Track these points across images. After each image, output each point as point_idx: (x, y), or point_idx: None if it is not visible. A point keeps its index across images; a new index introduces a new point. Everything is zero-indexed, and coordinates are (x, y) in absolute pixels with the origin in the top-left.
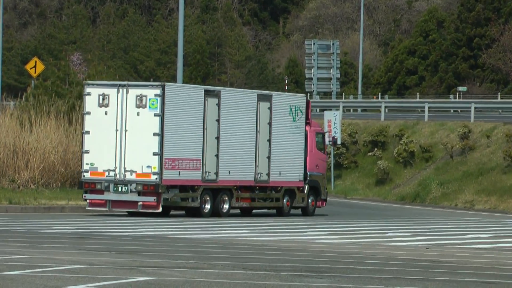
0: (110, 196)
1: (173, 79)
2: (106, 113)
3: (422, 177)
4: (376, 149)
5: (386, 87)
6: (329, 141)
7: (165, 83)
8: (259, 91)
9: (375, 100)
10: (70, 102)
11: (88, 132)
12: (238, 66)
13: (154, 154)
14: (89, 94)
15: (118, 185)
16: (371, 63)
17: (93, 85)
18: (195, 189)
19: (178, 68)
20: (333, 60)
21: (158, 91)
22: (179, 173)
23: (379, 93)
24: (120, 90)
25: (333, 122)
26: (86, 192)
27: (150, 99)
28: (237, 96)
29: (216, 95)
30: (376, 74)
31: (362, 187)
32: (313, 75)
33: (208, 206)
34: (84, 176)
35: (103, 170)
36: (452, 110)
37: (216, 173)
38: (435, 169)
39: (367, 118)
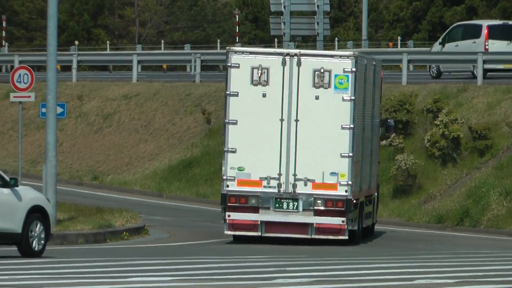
0: (270, 216)
1: (41, 15)
2: (264, 95)
3: (473, 183)
4: (394, 134)
5: (411, 26)
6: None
7: (357, 53)
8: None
9: (391, 49)
10: None
11: (234, 122)
12: None
13: (342, 155)
14: (235, 66)
15: (283, 201)
16: None
17: (242, 52)
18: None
19: None
20: None
21: (348, 65)
22: None
23: (399, 38)
24: (288, 61)
25: None
26: (228, 209)
27: (336, 75)
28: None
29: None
30: (393, 5)
31: None
32: (284, 7)
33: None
34: (227, 186)
35: (260, 178)
36: None
37: None
38: (496, 169)
39: None
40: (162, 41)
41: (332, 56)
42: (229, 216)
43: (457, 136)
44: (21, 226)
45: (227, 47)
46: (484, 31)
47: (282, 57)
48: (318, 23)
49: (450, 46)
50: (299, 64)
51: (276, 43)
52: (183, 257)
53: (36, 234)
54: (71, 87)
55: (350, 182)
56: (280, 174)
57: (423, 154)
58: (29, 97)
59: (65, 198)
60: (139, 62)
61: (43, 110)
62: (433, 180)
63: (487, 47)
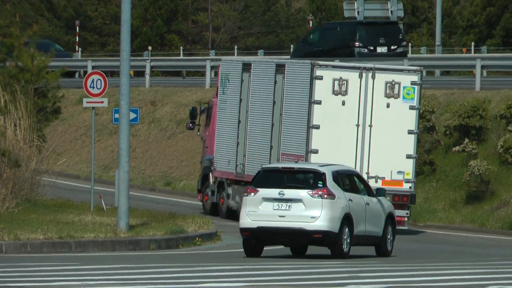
0: None
1: (114, 20)
2: (343, 103)
3: None
4: (467, 140)
5: (485, 32)
6: None
7: (422, 68)
8: None
9: (464, 55)
10: None
11: (317, 127)
12: None
13: (408, 156)
14: (319, 78)
15: None
16: None
17: (326, 67)
18: None
19: (123, 1)
20: None
21: (415, 78)
22: None
23: (472, 44)
24: (364, 74)
25: None
26: None
27: (404, 87)
28: None
29: None
30: (466, 11)
31: (443, 206)
32: (358, 13)
33: None
34: None
35: None
36: None
37: None
38: None
39: (451, 87)
40: (236, 46)
41: (401, 70)
42: None
43: None
44: (382, 230)
45: (312, 61)
46: None
47: (359, 71)
48: None
49: None
50: (373, 77)
51: None
52: (255, 263)
53: (389, 237)
54: (144, 93)
55: (413, 180)
56: None
57: (496, 160)
58: (102, 102)
59: (138, 203)
60: (212, 67)
61: (116, 115)
62: (507, 186)
63: None
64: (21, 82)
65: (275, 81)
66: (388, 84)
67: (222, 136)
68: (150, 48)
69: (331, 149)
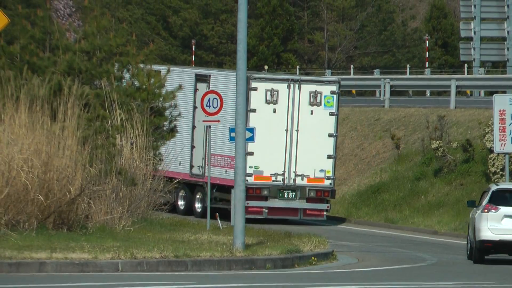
0: (274, 203)
1: (230, 39)
2: (274, 111)
3: None
4: None
5: None
6: None
7: (340, 78)
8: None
9: None
10: (54, 82)
11: None
12: (343, 17)
13: (328, 157)
14: (254, 89)
15: (285, 191)
16: None
17: (260, 79)
18: None
19: (240, 20)
20: (508, 6)
21: (334, 88)
22: None
23: None
24: (291, 85)
25: (509, 114)
26: (247, 198)
27: (325, 96)
28: None
29: None
30: None
31: None
32: (474, 33)
33: None
34: (247, 180)
35: (270, 174)
36: None
37: None
38: None
39: None
40: (352, 66)
41: (323, 81)
42: (247, 203)
43: None
44: None
45: (248, 74)
46: None
47: (288, 82)
48: (508, 49)
49: None
50: (299, 87)
51: (466, 68)
52: (372, 282)
53: None
54: None
55: (333, 177)
56: (284, 171)
57: None
58: (219, 121)
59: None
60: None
61: (232, 134)
62: None
63: None
64: (137, 100)
65: (196, 89)
66: (311, 94)
67: None
68: (266, 67)
69: (264, 151)
